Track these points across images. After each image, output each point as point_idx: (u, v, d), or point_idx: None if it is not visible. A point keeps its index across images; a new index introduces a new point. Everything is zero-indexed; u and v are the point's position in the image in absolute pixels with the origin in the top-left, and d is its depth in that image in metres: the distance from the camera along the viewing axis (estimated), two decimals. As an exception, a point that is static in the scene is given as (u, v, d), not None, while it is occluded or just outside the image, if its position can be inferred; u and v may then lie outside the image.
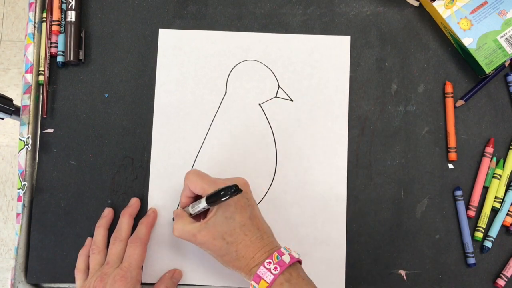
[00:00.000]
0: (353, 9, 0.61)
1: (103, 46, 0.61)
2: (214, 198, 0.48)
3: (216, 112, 0.60)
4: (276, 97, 0.60)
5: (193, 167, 0.59)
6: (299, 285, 0.46)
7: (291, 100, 0.60)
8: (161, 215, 0.58)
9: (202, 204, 0.50)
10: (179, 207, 0.56)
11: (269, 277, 0.45)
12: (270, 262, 0.46)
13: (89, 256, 0.55)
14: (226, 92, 0.60)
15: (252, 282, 0.46)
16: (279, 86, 0.60)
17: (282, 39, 0.61)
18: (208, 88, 0.60)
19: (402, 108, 0.60)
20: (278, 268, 0.45)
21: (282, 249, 0.48)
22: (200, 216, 0.53)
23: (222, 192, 0.46)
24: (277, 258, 0.46)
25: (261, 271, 0.46)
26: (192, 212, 0.52)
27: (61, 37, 0.61)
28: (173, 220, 0.55)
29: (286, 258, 0.47)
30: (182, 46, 0.61)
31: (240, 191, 0.46)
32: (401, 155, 0.59)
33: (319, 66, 0.60)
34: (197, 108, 0.60)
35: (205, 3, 0.62)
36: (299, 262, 0.49)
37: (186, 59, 0.61)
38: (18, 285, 0.58)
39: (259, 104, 0.60)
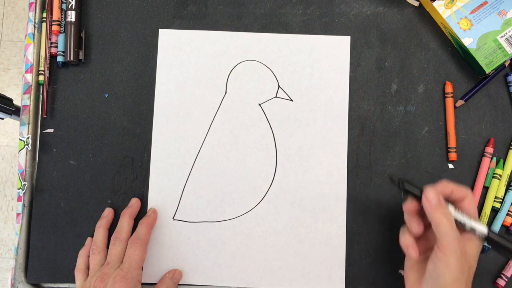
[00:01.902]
0: (353, 9, 0.61)
1: (103, 46, 0.61)
2: (498, 247, 0.45)
3: (216, 112, 0.60)
4: (276, 97, 0.60)
5: (193, 167, 0.59)
6: None
7: (291, 100, 0.60)
8: (161, 215, 0.58)
9: (479, 227, 0.46)
10: (434, 190, 0.47)
11: None
12: None
13: (89, 256, 0.55)
14: (226, 92, 0.60)
15: None
16: (279, 86, 0.60)
17: (282, 39, 0.61)
18: (208, 88, 0.60)
19: (402, 108, 0.60)
20: None
21: None
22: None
23: None
24: None
25: None
26: (454, 216, 0.46)
27: (61, 37, 0.61)
28: (403, 190, 0.49)
29: None
30: (182, 46, 0.61)
31: None
32: (401, 155, 0.59)
33: (319, 66, 0.60)
34: (197, 108, 0.60)
35: (205, 3, 0.62)
36: None
37: (186, 59, 0.61)
38: (18, 285, 0.58)
39: (259, 104, 0.60)
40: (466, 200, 0.47)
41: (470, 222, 0.46)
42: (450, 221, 0.44)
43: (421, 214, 0.48)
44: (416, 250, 0.47)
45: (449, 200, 0.48)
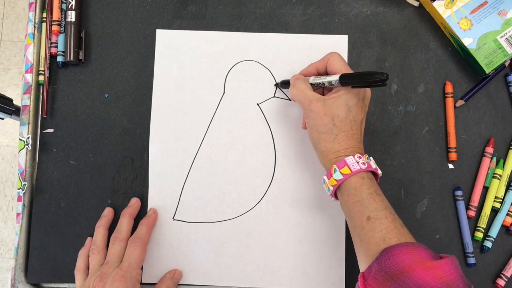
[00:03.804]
0: (353, 9, 0.61)
1: (103, 46, 0.61)
2: (354, 80, 0.49)
3: (215, 112, 0.60)
4: (274, 96, 0.60)
5: (192, 168, 0.59)
6: (377, 187, 0.48)
7: (290, 100, 0.60)
8: (161, 215, 0.58)
9: (332, 78, 0.51)
10: (298, 74, 0.56)
11: (354, 167, 0.48)
12: (360, 157, 0.49)
13: (89, 256, 0.55)
14: (224, 92, 0.60)
15: (335, 166, 0.49)
16: (277, 85, 0.60)
17: (279, 39, 0.61)
18: (206, 89, 0.60)
19: (402, 108, 0.60)
20: (366, 165, 0.48)
21: (371, 158, 0.50)
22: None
23: (374, 76, 0.47)
24: (368, 159, 0.49)
25: (349, 159, 0.48)
26: (312, 82, 0.53)
27: (61, 37, 0.61)
28: (281, 85, 0.59)
29: (373, 164, 0.50)
30: (179, 47, 0.61)
31: (385, 84, 0.47)
32: (401, 155, 0.59)
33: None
34: (195, 108, 0.60)
35: (205, 3, 0.62)
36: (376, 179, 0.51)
37: (184, 59, 0.61)
38: (18, 285, 0.58)
39: (258, 104, 0.60)
40: (329, 62, 0.53)
41: (326, 78, 0.52)
42: (299, 89, 0.52)
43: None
44: (303, 123, 0.57)
45: (320, 73, 0.55)
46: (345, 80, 0.49)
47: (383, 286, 0.41)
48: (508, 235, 0.58)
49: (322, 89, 0.55)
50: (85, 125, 0.60)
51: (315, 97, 0.51)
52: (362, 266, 0.47)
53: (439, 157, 0.59)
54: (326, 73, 0.54)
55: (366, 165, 0.48)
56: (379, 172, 0.50)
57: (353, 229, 0.48)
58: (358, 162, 0.48)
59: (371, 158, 0.50)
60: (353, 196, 0.48)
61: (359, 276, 0.44)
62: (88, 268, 0.55)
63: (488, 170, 0.58)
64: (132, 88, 0.61)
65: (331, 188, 0.49)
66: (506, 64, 0.60)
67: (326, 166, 0.51)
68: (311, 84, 0.53)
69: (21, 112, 0.60)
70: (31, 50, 0.60)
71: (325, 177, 0.50)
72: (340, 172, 0.48)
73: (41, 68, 0.60)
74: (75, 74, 0.61)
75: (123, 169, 0.59)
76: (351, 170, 0.48)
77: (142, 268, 0.57)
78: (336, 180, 0.48)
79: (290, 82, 0.55)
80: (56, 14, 0.61)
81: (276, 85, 0.60)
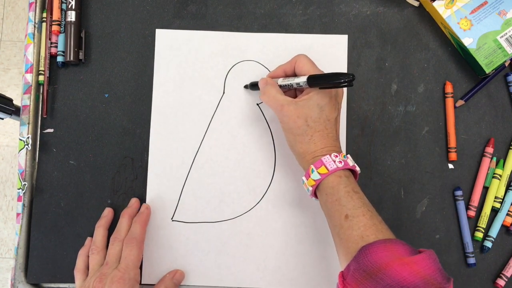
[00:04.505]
0: (353, 9, 0.61)
1: (103, 46, 0.61)
2: (321, 81, 0.49)
3: (214, 112, 0.60)
4: (275, 97, 0.60)
5: (192, 168, 0.59)
6: (355, 185, 0.49)
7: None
8: (160, 216, 0.58)
9: (300, 80, 0.51)
10: (266, 77, 0.57)
11: (331, 166, 0.48)
12: (336, 156, 0.49)
13: (88, 256, 0.55)
14: (224, 92, 0.60)
15: (312, 166, 0.49)
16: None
17: (279, 38, 0.61)
18: (206, 89, 0.60)
19: (402, 108, 0.60)
20: (343, 163, 0.49)
21: (349, 156, 0.51)
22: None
23: (340, 77, 0.47)
24: (344, 157, 0.49)
25: (326, 159, 0.49)
26: (281, 84, 0.53)
27: (61, 37, 0.61)
28: (250, 87, 0.59)
29: (351, 162, 0.50)
30: (179, 47, 0.61)
31: (352, 85, 0.48)
32: (401, 155, 0.59)
33: (317, 64, 0.60)
34: (195, 109, 0.60)
35: (205, 3, 0.62)
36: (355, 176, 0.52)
37: (183, 59, 0.61)
38: (18, 285, 0.58)
39: (257, 104, 0.60)
40: (297, 64, 0.53)
41: (294, 80, 0.52)
42: (269, 95, 0.52)
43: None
44: None
45: (288, 75, 0.55)
46: (312, 81, 0.50)
47: (362, 284, 0.41)
48: (508, 235, 0.58)
49: (294, 91, 0.55)
50: (85, 125, 0.60)
51: (286, 101, 0.51)
52: (342, 264, 0.47)
53: (439, 157, 0.59)
54: (294, 75, 0.54)
55: (343, 163, 0.49)
56: (357, 169, 0.50)
57: (333, 228, 0.48)
58: (334, 161, 0.48)
59: (348, 156, 0.50)
60: (331, 195, 0.48)
61: (338, 275, 0.44)
62: (87, 268, 0.55)
63: (488, 170, 0.58)
64: (132, 88, 0.61)
65: (310, 189, 0.50)
66: (506, 64, 0.60)
67: (304, 167, 0.51)
68: (280, 86, 0.54)
69: (21, 112, 0.60)
70: (31, 50, 0.60)
71: (303, 178, 0.51)
72: (318, 172, 0.48)
73: (41, 68, 0.60)
74: (75, 74, 0.61)
75: (123, 169, 0.59)
76: (328, 169, 0.48)
77: (141, 268, 0.56)
78: (314, 180, 0.49)
79: (260, 87, 0.55)
80: (56, 14, 0.61)
81: (246, 87, 0.60)
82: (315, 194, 0.51)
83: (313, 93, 0.50)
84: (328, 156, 0.49)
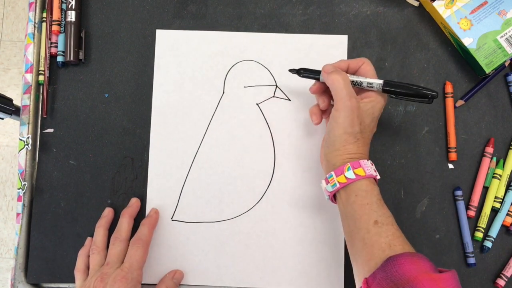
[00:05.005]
0: (353, 9, 0.61)
1: (103, 46, 0.61)
2: (401, 89, 0.49)
3: (214, 112, 0.60)
4: (274, 96, 0.60)
5: (191, 168, 0.59)
6: (380, 196, 0.48)
7: (289, 100, 0.60)
8: (160, 215, 0.58)
9: (374, 81, 0.50)
10: (329, 67, 0.52)
11: (369, 171, 0.48)
12: (372, 164, 0.50)
13: (89, 256, 0.55)
14: (223, 92, 0.60)
15: (349, 164, 0.48)
16: (276, 85, 0.60)
17: (279, 38, 0.61)
18: (206, 89, 0.60)
19: (402, 108, 0.60)
20: (377, 173, 0.50)
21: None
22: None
23: (423, 91, 0.47)
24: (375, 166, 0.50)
25: (364, 163, 0.49)
26: (352, 79, 0.51)
27: (61, 37, 0.61)
28: (304, 72, 0.54)
29: (378, 176, 0.50)
30: (179, 47, 0.61)
31: (431, 102, 0.48)
32: (401, 155, 0.59)
33: (316, 65, 0.60)
34: (194, 109, 0.60)
35: (205, 3, 0.62)
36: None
37: (183, 59, 0.61)
38: (18, 285, 0.58)
39: (257, 104, 0.60)
40: (362, 66, 0.52)
41: (366, 79, 0.51)
42: (344, 80, 0.49)
43: (327, 93, 0.54)
44: (318, 117, 0.55)
45: (348, 71, 0.53)
46: (388, 87, 0.49)
47: None
48: (508, 235, 0.58)
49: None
50: (85, 125, 0.60)
51: (354, 95, 0.49)
52: (360, 268, 0.47)
53: (439, 157, 0.59)
54: (354, 74, 0.53)
55: (377, 173, 0.50)
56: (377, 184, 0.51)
57: (356, 231, 0.47)
58: (372, 167, 0.49)
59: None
60: (363, 198, 0.47)
61: (362, 281, 0.44)
62: (88, 268, 0.55)
63: (488, 170, 0.58)
64: (132, 88, 0.61)
65: (337, 185, 0.49)
66: (506, 64, 0.60)
67: (336, 164, 0.50)
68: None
69: (21, 112, 0.60)
70: (31, 50, 0.60)
71: (332, 173, 0.49)
72: (354, 172, 0.48)
73: (41, 68, 0.60)
74: (75, 74, 0.61)
75: (123, 169, 0.59)
76: (365, 172, 0.48)
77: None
78: (347, 178, 0.48)
79: (326, 70, 0.51)
80: (56, 14, 0.61)
81: (292, 71, 0.55)
82: (334, 194, 0.50)
83: (376, 101, 0.50)
84: (365, 160, 0.49)
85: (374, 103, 0.50)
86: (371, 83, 0.50)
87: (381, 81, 0.50)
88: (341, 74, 0.50)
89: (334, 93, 0.50)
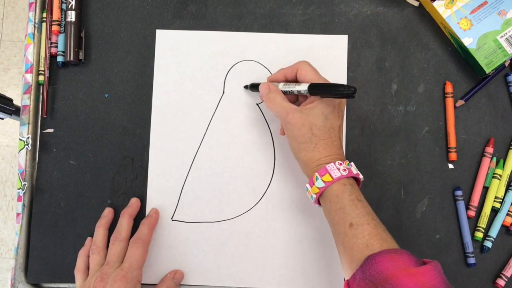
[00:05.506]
0: (353, 9, 0.61)
1: (103, 46, 0.61)
2: (322, 90, 0.49)
3: (214, 112, 0.60)
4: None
5: (191, 168, 0.59)
6: (359, 193, 0.49)
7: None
8: (160, 215, 0.58)
9: (301, 88, 0.51)
10: (267, 81, 0.56)
11: (336, 174, 0.48)
12: (341, 164, 0.49)
13: (89, 256, 0.55)
14: (223, 92, 0.60)
15: (316, 174, 0.49)
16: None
17: (279, 39, 0.61)
18: (206, 89, 0.60)
19: (402, 108, 0.60)
20: (347, 171, 0.49)
21: (352, 163, 0.51)
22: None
23: (340, 88, 0.48)
24: (348, 165, 0.50)
25: (330, 167, 0.49)
26: (282, 89, 0.53)
27: (61, 37, 0.61)
28: (250, 88, 0.58)
29: (354, 170, 0.50)
30: (179, 47, 0.61)
31: (353, 97, 0.48)
32: (401, 155, 0.59)
33: (316, 65, 0.60)
34: (194, 109, 0.60)
35: (205, 3, 0.62)
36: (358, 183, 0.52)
37: (183, 59, 0.61)
38: (18, 285, 0.58)
39: (257, 104, 0.60)
40: (299, 71, 0.53)
41: (295, 87, 0.52)
42: (277, 97, 0.52)
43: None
44: (282, 130, 0.55)
45: (288, 79, 0.54)
46: (314, 90, 0.50)
47: None
48: (508, 235, 0.58)
49: (296, 96, 0.55)
50: (85, 125, 0.60)
51: (291, 109, 0.51)
52: (346, 272, 0.47)
53: (439, 157, 0.59)
54: (295, 80, 0.54)
55: (347, 171, 0.49)
56: (361, 177, 0.50)
57: (336, 236, 0.48)
58: (339, 169, 0.48)
59: (352, 164, 0.50)
60: (335, 203, 0.48)
61: (343, 284, 0.44)
62: (88, 268, 0.55)
63: (488, 170, 0.58)
64: (132, 88, 0.61)
65: (314, 196, 0.50)
66: (506, 64, 0.60)
67: (308, 175, 0.51)
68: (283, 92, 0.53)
69: (21, 112, 0.60)
70: (31, 50, 0.60)
71: (307, 185, 0.50)
72: (322, 180, 0.48)
73: (41, 68, 0.60)
74: (75, 74, 0.61)
75: (123, 169, 0.59)
76: (332, 177, 0.48)
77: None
78: (318, 187, 0.49)
79: (262, 93, 0.54)
80: (56, 14, 0.61)
81: (246, 87, 0.59)
82: (318, 201, 0.51)
83: (318, 102, 0.50)
84: (332, 164, 0.49)
85: (320, 105, 0.50)
86: (299, 90, 0.51)
87: (305, 87, 0.50)
88: (271, 98, 0.52)
89: (274, 114, 0.52)
